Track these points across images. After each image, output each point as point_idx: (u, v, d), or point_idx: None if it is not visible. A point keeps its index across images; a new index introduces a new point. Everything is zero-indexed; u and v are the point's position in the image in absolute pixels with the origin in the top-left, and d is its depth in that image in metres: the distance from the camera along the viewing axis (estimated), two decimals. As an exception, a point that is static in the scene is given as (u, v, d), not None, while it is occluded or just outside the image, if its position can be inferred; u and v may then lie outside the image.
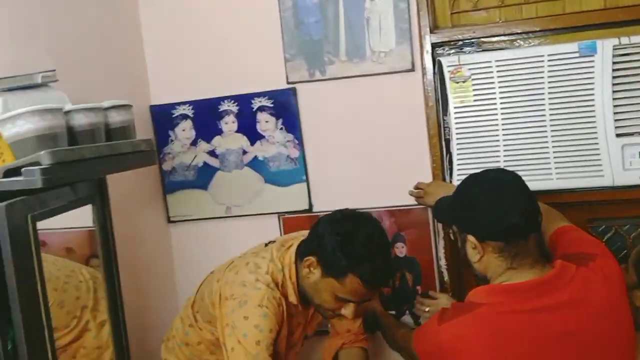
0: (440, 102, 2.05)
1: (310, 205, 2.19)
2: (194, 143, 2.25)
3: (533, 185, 1.55)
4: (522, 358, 1.39)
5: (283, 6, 2.11)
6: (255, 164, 2.21)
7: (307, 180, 2.18)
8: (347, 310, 1.66)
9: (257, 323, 1.59)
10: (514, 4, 2.04)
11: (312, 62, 2.11)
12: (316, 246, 1.65)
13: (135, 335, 1.63)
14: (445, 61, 2.01)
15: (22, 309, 1.15)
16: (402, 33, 2.04)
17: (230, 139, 2.22)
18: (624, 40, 1.87)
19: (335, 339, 1.95)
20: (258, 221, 2.25)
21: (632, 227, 2.02)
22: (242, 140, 2.21)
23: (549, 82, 1.92)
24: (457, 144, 2.01)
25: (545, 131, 1.94)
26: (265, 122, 2.18)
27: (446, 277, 2.11)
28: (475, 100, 1.99)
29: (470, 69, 1.99)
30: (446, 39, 2.04)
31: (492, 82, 1.97)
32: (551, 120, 1.93)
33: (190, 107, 2.23)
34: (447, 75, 2.00)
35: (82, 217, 1.44)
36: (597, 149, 1.90)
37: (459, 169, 2.01)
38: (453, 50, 2.05)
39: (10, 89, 1.24)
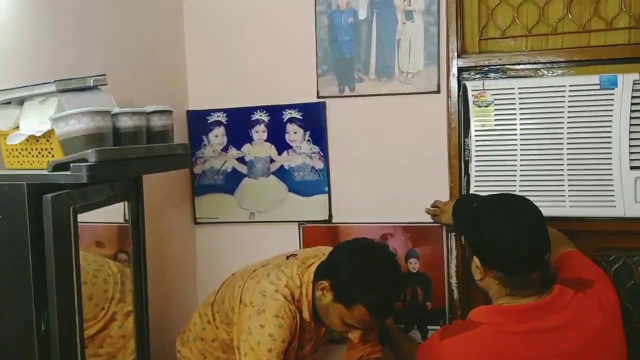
0: (462, 124, 2.10)
1: (330, 216, 2.26)
2: (225, 149, 2.34)
3: (546, 211, 1.57)
4: None
5: (320, 24, 2.20)
6: (281, 173, 2.29)
7: (329, 192, 2.25)
8: (354, 335, 1.73)
9: (271, 332, 1.67)
10: (541, 34, 2.09)
11: (342, 79, 2.20)
12: (331, 272, 1.72)
13: (155, 325, 1.70)
14: (470, 85, 2.06)
15: (57, 293, 1.22)
16: (430, 56, 2.11)
17: (259, 147, 2.30)
18: (645, 76, 1.91)
19: (353, 351, 2.00)
20: (279, 228, 2.32)
21: (640, 259, 2.05)
22: (271, 149, 2.29)
23: (569, 112, 1.97)
24: (476, 166, 2.07)
25: (562, 159, 1.98)
26: (294, 133, 2.26)
27: (456, 295, 2.16)
28: (496, 125, 2.04)
29: (493, 94, 2.04)
30: (472, 64, 2.10)
31: (514, 109, 2.02)
32: (568, 148, 1.98)
33: (225, 115, 2.32)
34: (470, 99, 2.06)
35: (112, 213, 1.51)
36: (611, 179, 1.94)
37: (476, 191, 2.05)
38: (478, 75, 2.11)
39: (65, 90, 1.33)
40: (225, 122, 2.33)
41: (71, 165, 1.22)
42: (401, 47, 2.14)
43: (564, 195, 1.98)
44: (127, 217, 1.57)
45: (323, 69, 2.21)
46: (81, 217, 1.30)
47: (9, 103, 1.40)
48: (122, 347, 1.60)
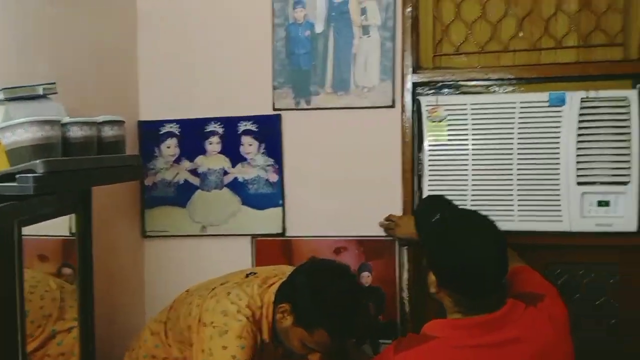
0: (416, 139, 2.13)
1: (284, 229, 2.24)
2: (177, 160, 2.30)
3: (495, 225, 1.61)
4: None
5: (277, 36, 2.20)
6: (235, 185, 2.26)
7: (283, 205, 2.24)
8: (313, 357, 1.71)
9: (234, 354, 1.64)
10: (493, 51, 2.15)
11: (298, 92, 2.20)
12: (291, 295, 1.70)
13: (101, 342, 1.65)
14: (424, 100, 2.10)
15: None
16: (386, 70, 2.14)
17: (213, 159, 2.27)
18: (592, 93, 1.99)
19: None
20: (231, 242, 2.29)
21: (585, 273, 2.11)
22: (224, 161, 2.26)
23: (519, 128, 2.03)
24: (429, 180, 2.10)
25: (512, 174, 2.03)
26: (249, 145, 2.24)
27: (407, 309, 2.17)
28: (449, 140, 2.09)
29: (446, 109, 2.08)
30: (427, 80, 2.14)
31: (466, 124, 2.07)
32: (518, 164, 2.03)
33: (178, 126, 2.29)
34: (424, 114, 2.09)
35: (57, 226, 1.48)
36: (558, 194, 2.00)
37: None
38: (432, 91, 2.15)
39: (12, 99, 1.28)
40: (178, 133, 2.29)
41: (17, 176, 1.19)
42: (357, 62, 2.16)
43: (512, 210, 2.03)
44: (72, 230, 1.53)
45: (279, 81, 2.21)
46: (24, 230, 1.25)
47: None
48: (62, 365, 1.55)
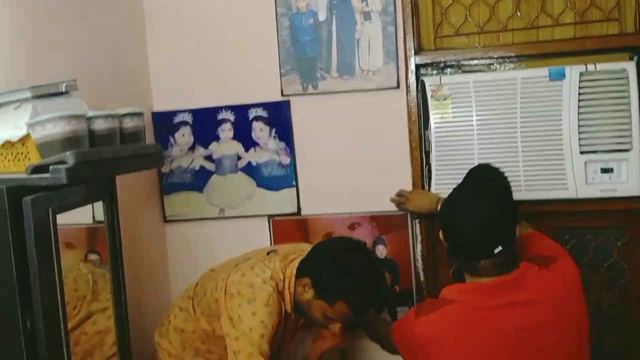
0: (422, 117, 2.19)
1: (299, 208, 2.32)
2: (192, 148, 2.37)
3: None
4: (485, 350, 1.54)
5: (281, 26, 2.26)
6: (249, 169, 2.34)
7: (296, 186, 2.32)
8: (334, 327, 1.84)
9: (263, 319, 1.74)
10: (492, 31, 2.19)
11: (305, 77, 2.26)
12: (312, 270, 1.79)
13: (131, 321, 1.72)
14: (427, 81, 2.16)
15: (41, 292, 1.25)
16: (389, 54, 2.19)
17: (226, 145, 2.35)
18: (590, 67, 2.04)
19: (321, 341, 2.08)
20: (249, 223, 2.37)
21: (593, 237, 2.18)
22: (237, 147, 2.34)
23: (521, 103, 2.08)
24: (436, 156, 2.16)
25: (516, 147, 2.09)
26: (260, 131, 2.31)
27: (422, 278, 2.25)
28: (453, 117, 2.14)
29: (450, 88, 2.14)
30: (429, 61, 2.19)
31: (470, 101, 2.12)
32: (522, 137, 2.09)
33: (190, 115, 2.36)
34: (429, 94, 2.15)
35: (81, 215, 1.53)
36: (563, 164, 2.06)
37: (437, 179, 2.16)
38: (435, 71, 2.21)
39: (39, 96, 1.36)
40: (191, 122, 2.36)
41: (50, 167, 1.25)
42: (361, 46, 2.21)
43: (519, 180, 2.09)
44: (96, 218, 1.59)
45: (286, 68, 2.27)
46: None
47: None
48: (98, 343, 1.63)
